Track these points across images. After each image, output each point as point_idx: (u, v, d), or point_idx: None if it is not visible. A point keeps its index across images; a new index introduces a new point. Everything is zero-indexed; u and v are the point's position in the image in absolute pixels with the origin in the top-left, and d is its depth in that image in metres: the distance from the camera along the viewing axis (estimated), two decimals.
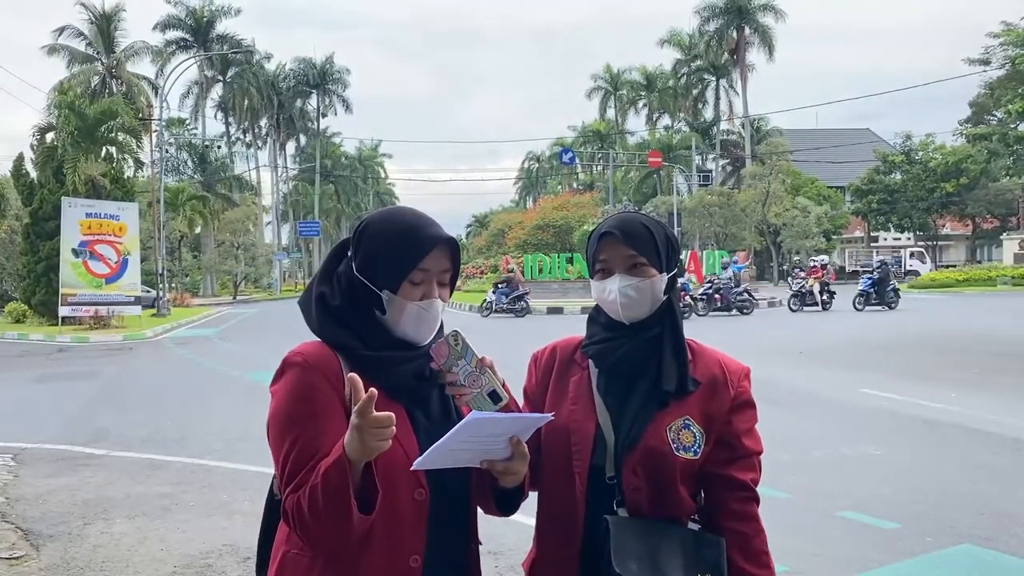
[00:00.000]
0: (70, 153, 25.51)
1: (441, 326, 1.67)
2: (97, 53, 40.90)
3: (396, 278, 1.58)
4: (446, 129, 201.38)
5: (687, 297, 22.63)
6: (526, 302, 26.05)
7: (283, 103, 61.44)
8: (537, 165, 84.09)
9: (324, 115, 64.93)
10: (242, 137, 61.76)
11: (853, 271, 51.53)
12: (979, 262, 52.15)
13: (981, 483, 6.06)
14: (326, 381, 1.52)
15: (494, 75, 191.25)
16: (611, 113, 68.22)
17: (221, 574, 4.56)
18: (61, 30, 40.92)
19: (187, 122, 56.92)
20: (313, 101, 64.32)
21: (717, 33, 54.85)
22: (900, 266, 47.92)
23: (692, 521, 1.73)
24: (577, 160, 61.09)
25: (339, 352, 1.57)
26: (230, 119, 59.46)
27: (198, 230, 50.51)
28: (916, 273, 45.70)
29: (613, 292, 1.73)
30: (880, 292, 24.73)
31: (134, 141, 29.65)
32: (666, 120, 65.99)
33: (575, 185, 72.40)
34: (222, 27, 54.75)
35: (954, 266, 49.05)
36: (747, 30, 54.06)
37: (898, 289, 25.41)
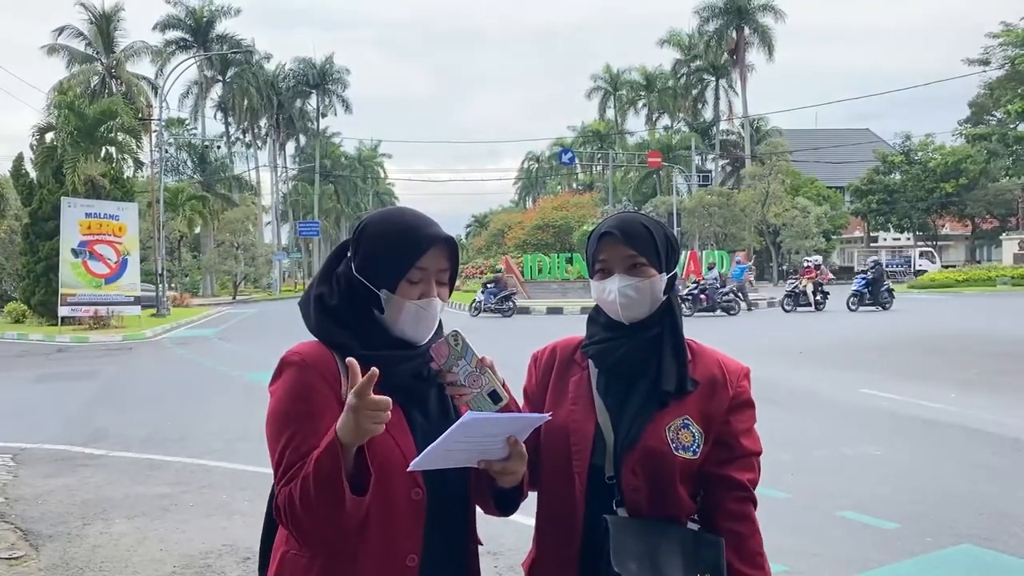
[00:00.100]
0: (70, 153, 25.51)
1: (440, 326, 1.68)
2: (97, 53, 40.87)
3: (394, 277, 1.58)
4: (446, 129, 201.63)
5: None
6: (513, 302, 26.43)
7: (283, 103, 61.45)
8: (537, 165, 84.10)
9: (324, 115, 64.99)
10: (242, 137, 61.81)
11: (861, 271, 51.57)
12: (978, 262, 52.16)
13: (981, 483, 6.06)
14: (323, 380, 1.53)
15: (494, 75, 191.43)
16: (611, 113, 68.26)
17: (220, 574, 4.56)
18: (61, 30, 40.89)
19: (187, 122, 56.97)
20: (313, 101, 64.38)
21: (717, 33, 54.84)
22: (910, 266, 47.88)
23: (692, 521, 1.73)
24: (577, 160, 61.10)
25: (336, 352, 1.57)
26: (230, 119, 59.47)
27: (198, 230, 50.52)
28: (926, 272, 45.62)
29: (613, 292, 1.73)
30: (874, 292, 24.67)
31: (134, 141, 29.63)
32: (666, 120, 66.08)
33: (575, 185, 72.43)
34: (222, 27, 54.79)
35: (954, 266, 49.06)
36: (747, 30, 54.06)
37: (892, 289, 25.31)
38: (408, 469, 1.47)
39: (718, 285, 24.91)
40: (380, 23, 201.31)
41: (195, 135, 56.43)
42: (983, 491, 5.83)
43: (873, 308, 24.47)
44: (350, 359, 1.43)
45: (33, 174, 27.80)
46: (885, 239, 61.88)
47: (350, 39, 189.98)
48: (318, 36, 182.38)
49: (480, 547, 1.73)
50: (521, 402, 1.83)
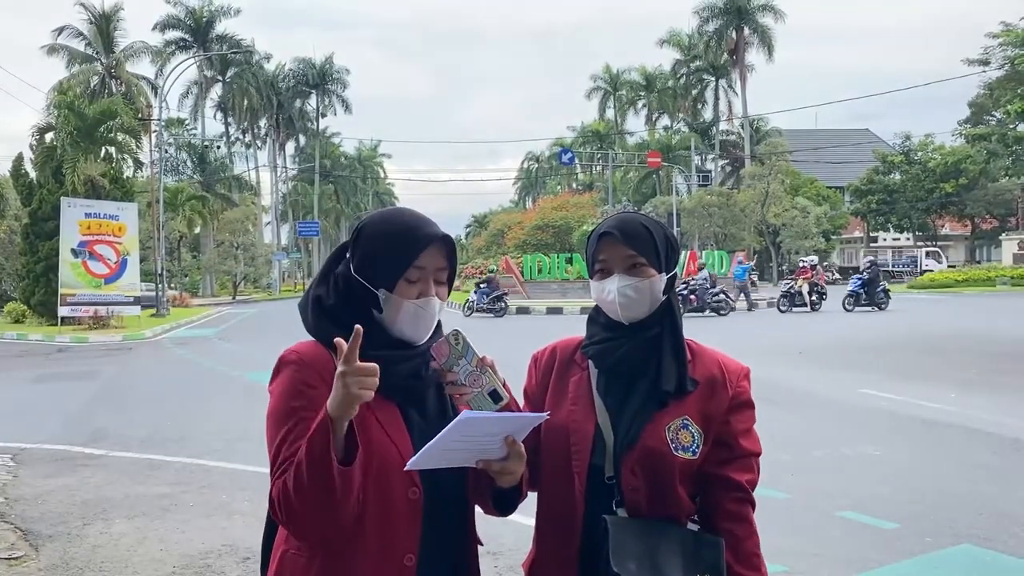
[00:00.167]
0: (69, 153, 25.50)
1: (440, 325, 1.68)
2: (96, 53, 40.86)
3: (392, 277, 1.58)
4: (446, 129, 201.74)
5: None
6: (505, 302, 26.93)
7: (282, 103, 61.45)
8: (536, 165, 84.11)
9: (323, 115, 65.00)
10: (241, 137, 61.81)
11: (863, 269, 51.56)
12: (978, 262, 52.17)
13: (980, 483, 6.06)
14: (320, 379, 1.53)
15: (494, 75, 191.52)
16: (610, 113, 68.27)
17: (220, 574, 4.56)
18: (60, 30, 40.88)
19: (186, 122, 56.95)
20: (312, 101, 64.39)
21: (716, 33, 54.86)
22: (916, 265, 47.84)
23: (692, 522, 1.73)
24: (576, 160, 61.12)
25: (333, 351, 1.57)
26: (229, 119, 59.47)
27: (197, 230, 50.50)
28: (930, 272, 45.56)
29: (612, 292, 1.73)
30: (870, 293, 24.63)
31: (133, 141, 29.62)
32: (665, 120, 66.11)
33: (574, 185, 72.44)
34: (221, 27, 54.78)
35: (953, 266, 49.06)
36: (746, 30, 54.07)
37: (888, 290, 25.31)
38: (405, 468, 1.47)
39: (708, 286, 24.88)
40: (380, 23, 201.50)
41: (195, 135, 56.42)
42: (983, 491, 5.83)
43: (869, 309, 24.44)
44: (338, 339, 1.43)
45: (33, 174, 27.79)
46: (885, 239, 61.88)
47: (350, 39, 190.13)
48: (318, 36, 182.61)
49: (480, 547, 1.73)
50: (521, 402, 1.83)
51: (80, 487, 6.43)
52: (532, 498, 1.79)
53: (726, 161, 61.70)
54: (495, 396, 1.55)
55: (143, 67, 56.16)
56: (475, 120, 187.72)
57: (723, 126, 61.60)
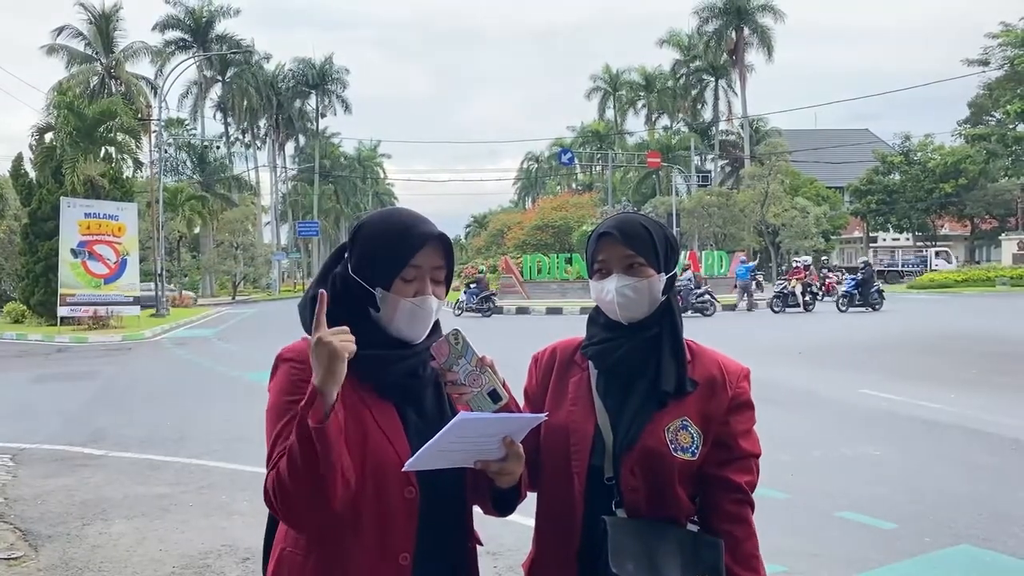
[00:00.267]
0: (69, 153, 25.50)
1: (438, 325, 1.68)
2: (96, 53, 40.86)
3: (389, 275, 1.59)
4: (445, 129, 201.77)
5: None
6: (493, 303, 27.58)
7: (282, 103, 61.46)
8: (536, 165, 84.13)
9: (323, 115, 65.02)
10: (241, 137, 61.85)
11: (879, 271, 51.56)
12: (978, 263, 52.18)
13: (979, 483, 6.06)
14: None
15: (494, 75, 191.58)
16: (610, 113, 68.30)
17: (220, 574, 4.56)
18: (60, 30, 40.88)
19: (186, 122, 56.97)
20: (312, 101, 64.42)
21: (716, 34, 54.87)
22: (926, 265, 47.81)
23: (691, 523, 1.73)
24: (576, 160, 61.14)
25: None
26: (229, 119, 59.48)
27: (197, 230, 50.52)
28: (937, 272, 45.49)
29: (611, 292, 1.73)
30: (864, 293, 24.57)
31: (133, 141, 29.64)
32: (665, 121, 66.13)
33: (574, 185, 72.44)
34: (221, 27, 54.83)
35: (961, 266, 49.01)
36: (746, 31, 54.09)
37: (882, 290, 25.24)
38: (403, 469, 1.47)
39: (692, 286, 24.88)
40: (380, 23, 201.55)
41: (194, 135, 56.44)
42: (982, 491, 5.83)
43: (863, 309, 24.37)
44: (321, 290, 1.46)
45: (32, 174, 27.80)
46: (884, 239, 61.88)
47: (350, 39, 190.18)
48: (318, 36, 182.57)
49: (480, 547, 1.73)
50: (522, 402, 1.83)
51: (79, 487, 6.43)
52: (532, 498, 1.79)
53: (726, 161, 61.71)
54: (494, 396, 1.55)
55: (143, 67, 56.15)
56: (475, 120, 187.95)
57: (723, 126, 61.67)
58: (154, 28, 53.30)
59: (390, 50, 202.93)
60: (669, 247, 1.78)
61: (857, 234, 60.25)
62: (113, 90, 38.43)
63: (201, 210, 46.05)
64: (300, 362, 1.56)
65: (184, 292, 40.94)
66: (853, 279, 25.23)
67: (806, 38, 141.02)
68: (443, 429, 1.42)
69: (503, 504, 1.66)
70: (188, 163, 55.08)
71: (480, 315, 26.47)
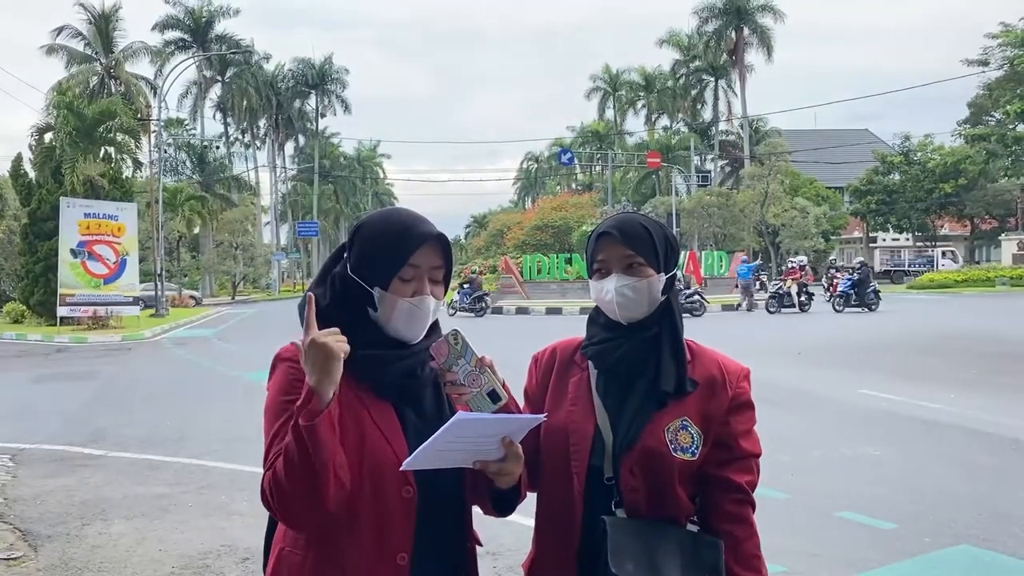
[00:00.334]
0: (68, 153, 25.50)
1: (438, 325, 1.68)
2: (96, 53, 40.87)
3: (387, 275, 1.59)
4: (445, 129, 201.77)
5: None
6: (485, 303, 27.89)
7: (282, 103, 61.46)
8: (536, 165, 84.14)
9: (323, 115, 65.01)
10: (241, 137, 61.86)
11: (885, 271, 51.57)
12: (977, 263, 52.16)
13: (979, 483, 6.06)
14: None
15: (494, 75, 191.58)
16: (610, 114, 68.32)
17: (219, 574, 4.56)
18: (59, 30, 40.89)
19: (186, 122, 57.01)
20: (312, 101, 64.40)
21: (716, 34, 54.90)
22: (932, 265, 47.78)
23: (691, 523, 1.73)
24: (576, 161, 61.14)
25: None
26: (229, 119, 59.49)
27: (196, 230, 50.54)
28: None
29: (610, 292, 1.73)
30: (860, 294, 24.47)
31: (132, 141, 29.65)
32: (665, 121, 66.16)
33: (574, 186, 72.45)
34: (221, 27, 54.84)
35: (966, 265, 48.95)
36: (746, 31, 54.10)
37: (878, 291, 25.13)
38: (401, 469, 1.47)
39: (681, 286, 24.85)
40: (380, 23, 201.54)
41: (194, 135, 56.47)
42: (982, 491, 5.83)
43: (859, 309, 24.28)
44: (309, 293, 1.47)
45: (32, 174, 27.81)
46: (884, 240, 61.88)
47: (350, 39, 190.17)
48: (318, 36, 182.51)
49: (480, 548, 1.73)
50: (522, 402, 1.83)
51: (79, 487, 6.43)
52: (531, 498, 1.78)
53: (725, 161, 61.72)
54: (494, 396, 1.55)
55: (142, 67, 56.15)
56: (475, 120, 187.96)
57: (722, 126, 61.68)
58: (154, 28, 53.38)
59: (390, 50, 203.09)
60: (669, 247, 1.77)
61: (857, 234, 60.24)
62: (113, 90, 38.45)
63: (201, 210, 46.07)
64: (298, 362, 1.55)
65: (187, 292, 40.99)
66: (849, 279, 25.15)
67: (806, 38, 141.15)
68: (441, 429, 1.42)
69: (503, 504, 1.66)
70: (188, 163, 55.12)
71: (473, 315, 26.71)
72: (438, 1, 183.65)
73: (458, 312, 27.07)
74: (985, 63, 45.19)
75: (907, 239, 57.88)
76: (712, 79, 59.56)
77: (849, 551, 4.71)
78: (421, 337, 1.62)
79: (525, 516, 1.83)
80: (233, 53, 53.62)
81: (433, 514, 1.58)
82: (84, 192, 25.12)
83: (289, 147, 67.70)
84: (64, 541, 5.13)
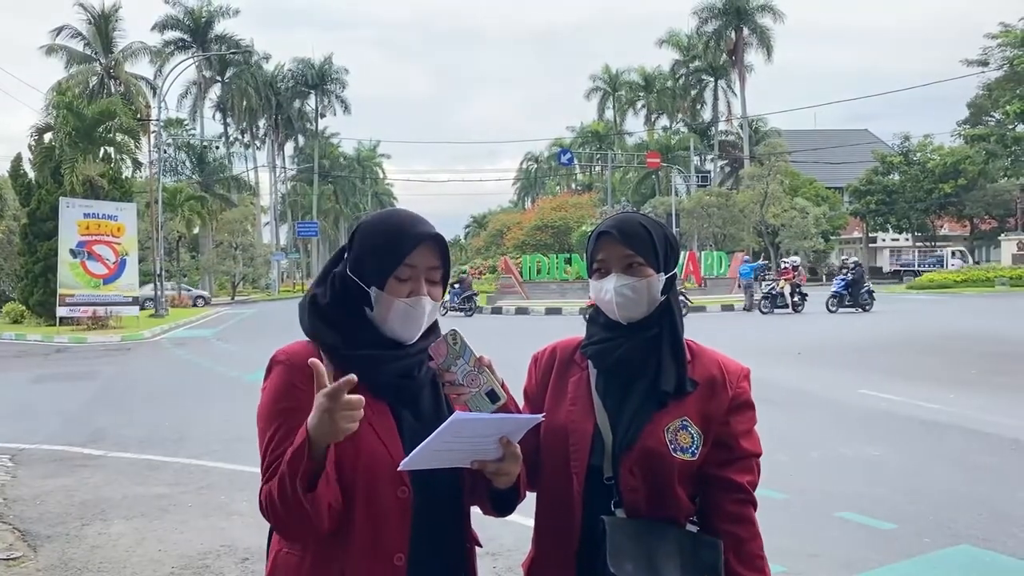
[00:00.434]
0: (68, 153, 25.49)
1: (436, 325, 1.68)
2: (95, 53, 40.85)
3: (383, 275, 1.59)
4: (445, 129, 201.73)
5: None
6: (474, 302, 28.73)
7: (281, 103, 61.46)
8: (536, 166, 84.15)
9: (323, 115, 64.99)
10: (240, 137, 61.81)
11: (894, 271, 51.52)
12: (977, 263, 52.16)
13: (979, 484, 6.06)
14: (308, 380, 1.53)
15: (494, 75, 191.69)
16: (609, 114, 68.33)
17: (219, 575, 4.56)
18: (59, 30, 40.85)
19: (185, 122, 56.98)
20: (311, 101, 64.39)
21: (715, 34, 54.92)
22: (942, 265, 47.74)
23: (691, 523, 1.73)
24: (576, 161, 61.13)
25: (324, 352, 1.59)
26: (228, 119, 59.47)
27: (196, 230, 50.46)
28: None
29: (609, 292, 1.73)
30: (854, 294, 24.39)
31: (132, 141, 29.62)
32: (664, 121, 66.17)
33: (574, 186, 72.45)
34: (220, 27, 54.84)
35: (978, 263, 48.91)
36: (745, 31, 54.12)
37: (872, 291, 25.02)
38: (398, 469, 1.47)
39: None
40: (380, 23, 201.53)
41: (194, 135, 56.45)
42: (981, 492, 5.83)
43: (853, 310, 24.19)
44: (313, 360, 1.44)
45: (31, 174, 27.80)
46: (884, 240, 61.90)
47: (350, 39, 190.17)
48: (318, 36, 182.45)
49: (479, 548, 1.73)
50: (521, 402, 1.83)
51: (79, 487, 6.43)
52: (531, 498, 1.78)
53: (725, 161, 61.73)
54: (492, 396, 1.55)
55: (142, 67, 56.03)
56: (475, 120, 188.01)
57: (722, 126, 61.70)
58: (153, 28, 53.39)
59: (390, 50, 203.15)
60: (669, 247, 1.77)
61: (856, 234, 60.25)
62: (112, 90, 38.42)
63: (200, 210, 46.01)
64: (293, 366, 1.57)
65: (195, 292, 40.95)
66: (843, 279, 25.03)
67: (806, 38, 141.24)
68: (438, 429, 1.42)
69: (502, 504, 1.66)
70: (187, 163, 55.08)
71: (463, 315, 27.02)
72: (438, 1, 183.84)
73: (449, 312, 27.32)
74: (985, 63, 45.24)
75: (907, 239, 57.91)
76: (712, 79, 59.58)
77: (848, 551, 4.71)
78: (417, 337, 1.62)
79: (525, 516, 1.83)
80: (233, 53, 53.61)
81: (430, 515, 1.58)
82: (84, 192, 25.12)
83: (289, 147, 67.79)
84: (64, 541, 5.13)
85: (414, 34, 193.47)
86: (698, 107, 62.25)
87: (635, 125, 68.90)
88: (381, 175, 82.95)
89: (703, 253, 37.83)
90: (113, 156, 28.92)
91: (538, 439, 1.74)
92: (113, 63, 40.06)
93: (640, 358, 1.73)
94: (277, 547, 1.61)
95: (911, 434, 7.86)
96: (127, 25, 62.69)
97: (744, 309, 27.23)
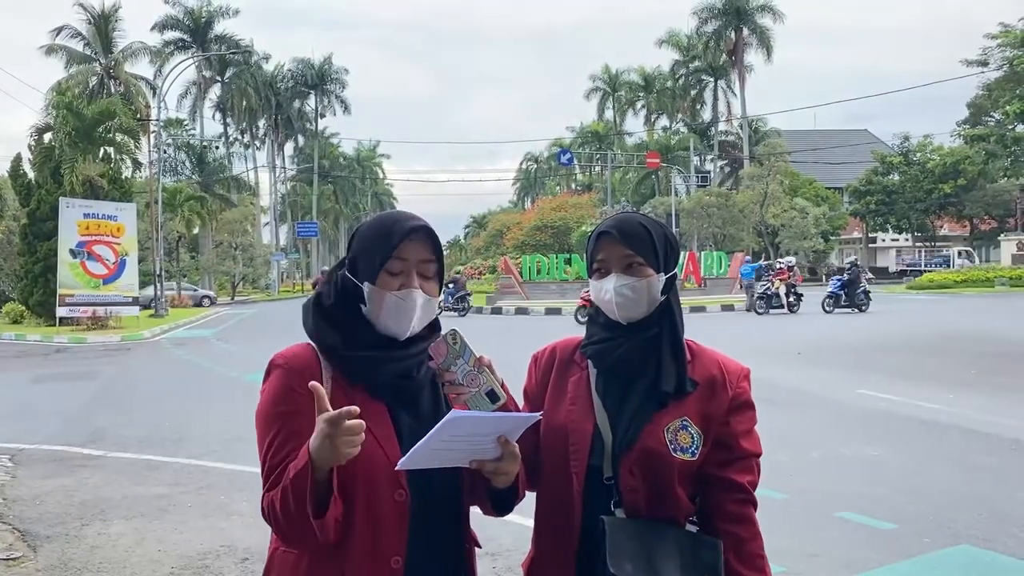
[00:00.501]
0: (68, 153, 25.49)
1: (438, 322, 1.68)
2: (95, 53, 40.86)
3: (375, 269, 1.60)
4: (445, 129, 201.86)
5: None
6: (468, 302, 29.02)
7: (281, 103, 61.48)
8: (535, 166, 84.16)
9: (322, 115, 65.01)
10: (240, 138, 61.84)
11: (901, 271, 51.48)
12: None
13: (978, 483, 6.06)
14: (304, 383, 1.53)
15: (494, 75, 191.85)
16: (609, 114, 68.36)
17: (218, 575, 4.56)
18: (59, 30, 40.87)
19: (185, 123, 56.99)
20: (311, 102, 64.41)
21: (715, 34, 54.95)
22: (949, 265, 47.73)
23: (690, 523, 1.73)
24: (575, 161, 61.14)
25: (323, 353, 1.60)
26: (228, 119, 59.48)
27: (196, 231, 50.46)
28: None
29: (609, 292, 1.73)
30: (850, 294, 24.33)
31: (132, 142, 29.62)
32: (664, 121, 66.20)
33: (573, 186, 72.46)
34: (220, 27, 54.89)
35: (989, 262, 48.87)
36: (745, 31, 54.15)
37: (868, 291, 24.95)
38: (396, 468, 1.47)
39: None
40: (380, 23, 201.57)
41: (193, 135, 56.46)
42: (981, 491, 5.83)
43: (849, 310, 24.12)
44: (313, 384, 1.44)
45: (31, 174, 27.80)
46: (883, 240, 61.91)
47: (350, 39, 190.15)
48: (317, 36, 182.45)
49: (478, 549, 1.73)
50: (521, 402, 1.83)
51: (78, 488, 6.43)
52: (531, 498, 1.78)
53: (725, 162, 61.75)
54: (492, 396, 1.54)
55: (142, 67, 56.02)
56: (475, 120, 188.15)
57: (722, 127, 61.72)
58: (153, 28, 53.42)
59: (390, 50, 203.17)
60: (669, 247, 1.77)
61: (856, 235, 60.27)
62: (112, 90, 38.43)
63: (200, 210, 46.00)
64: (291, 369, 1.57)
65: (201, 292, 40.95)
66: (839, 279, 24.98)
67: (805, 38, 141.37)
68: (435, 428, 1.41)
69: (501, 504, 1.66)
70: (187, 163, 55.10)
71: (456, 314, 27.19)
72: (438, 1, 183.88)
73: (443, 312, 27.46)
74: (984, 64, 45.26)
75: (906, 239, 57.92)
76: (711, 79, 59.60)
77: (848, 551, 4.71)
78: (409, 332, 1.61)
79: (524, 516, 1.83)
80: (232, 53, 53.63)
81: (428, 517, 1.58)
82: (83, 192, 25.12)
83: (288, 147, 67.81)
84: (63, 541, 5.13)
85: (414, 34, 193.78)
86: (698, 107, 62.28)
87: (635, 125, 69.02)
88: (381, 175, 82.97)
89: (703, 253, 37.81)
90: (113, 156, 28.92)
91: (537, 438, 1.74)
92: (113, 63, 40.07)
93: (640, 358, 1.72)
94: (275, 546, 1.62)
95: (911, 434, 7.86)
96: (127, 25, 62.78)
97: (746, 309, 27.20)
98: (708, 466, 1.71)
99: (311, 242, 66.35)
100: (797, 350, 14.44)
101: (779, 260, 28.85)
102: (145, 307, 27.34)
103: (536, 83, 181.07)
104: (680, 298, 1.83)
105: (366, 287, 1.59)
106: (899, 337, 16.86)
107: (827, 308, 24.15)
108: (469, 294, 29.88)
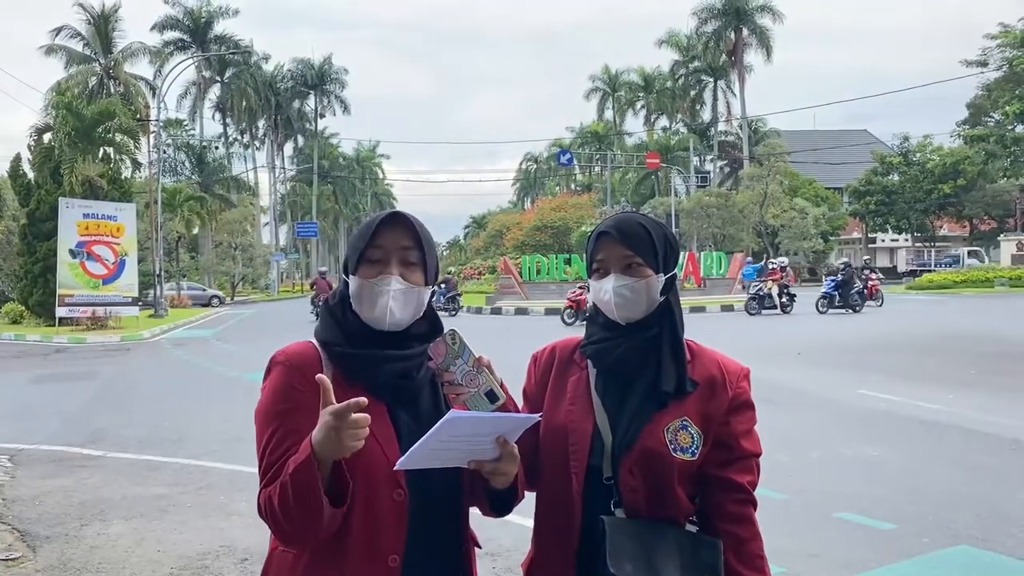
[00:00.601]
0: (67, 154, 25.48)
1: (438, 320, 1.68)
2: (95, 54, 40.85)
3: (357, 260, 1.61)
4: (445, 129, 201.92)
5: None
6: (458, 302, 30.00)
7: (281, 104, 61.50)
8: (535, 166, 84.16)
9: (322, 116, 65.04)
10: (240, 138, 61.86)
11: (910, 271, 51.40)
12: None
13: (978, 484, 6.06)
14: (306, 381, 1.54)
15: (494, 75, 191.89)
16: (609, 114, 68.37)
17: (218, 575, 4.55)
18: (58, 30, 40.86)
19: (185, 123, 56.98)
20: (311, 102, 64.44)
21: (715, 34, 54.96)
22: (959, 264, 47.69)
23: (690, 523, 1.73)
24: (575, 161, 61.13)
25: (324, 350, 1.60)
26: (228, 120, 59.49)
27: (196, 231, 50.46)
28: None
29: (608, 292, 1.73)
30: (844, 295, 24.30)
31: (131, 142, 29.63)
32: (664, 121, 66.20)
33: (573, 186, 72.46)
34: (220, 28, 54.92)
35: (996, 262, 48.83)
36: (745, 31, 54.16)
37: (863, 292, 24.88)
38: (395, 468, 1.47)
39: None
40: (380, 23, 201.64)
41: (193, 136, 56.45)
42: (980, 492, 5.83)
43: (843, 311, 24.07)
44: (320, 376, 1.44)
45: (31, 175, 27.80)
46: (883, 240, 61.90)
47: (350, 39, 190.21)
48: (317, 36, 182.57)
49: (478, 549, 1.73)
50: (521, 402, 1.83)
51: (78, 488, 6.43)
52: (530, 498, 1.78)
53: (725, 162, 61.76)
54: (491, 396, 1.54)
55: (141, 68, 55.98)
56: (474, 120, 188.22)
57: (722, 127, 61.73)
58: (153, 28, 53.42)
59: (390, 50, 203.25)
60: (668, 247, 1.77)
61: (856, 235, 60.27)
62: (112, 90, 38.42)
63: (200, 211, 46.00)
64: (291, 367, 1.57)
65: (204, 291, 40.94)
66: (833, 280, 24.91)
67: (805, 38, 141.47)
68: (433, 428, 1.41)
69: (500, 505, 1.66)
70: (187, 164, 55.12)
71: (447, 314, 27.51)
72: (438, 1, 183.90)
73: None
74: (984, 64, 45.28)
75: (906, 240, 57.91)
76: (711, 80, 59.61)
77: (848, 551, 4.71)
78: (389, 319, 1.59)
79: (524, 516, 1.83)
80: (232, 53, 53.65)
81: (427, 516, 1.58)
82: (83, 192, 25.11)
83: (288, 147, 67.84)
84: (63, 542, 5.13)
85: (414, 34, 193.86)
86: (698, 107, 62.30)
87: (635, 125, 69.02)
88: (380, 175, 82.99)
89: (703, 253, 37.79)
90: (112, 156, 28.92)
91: (536, 439, 1.74)
92: (112, 63, 40.06)
93: (639, 358, 1.72)
94: (273, 545, 1.62)
95: (911, 434, 7.86)
96: (126, 25, 62.66)
97: (744, 309, 27.17)
98: (708, 466, 1.71)
99: (311, 242, 66.38)
100: (796, 350, 14.43)
101: (772, 260, 28.79)
102: (148, 305, 27.32)
103: (536, 83, 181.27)
104: (680, 298, 1.83)
105: (351, 280, 1.61)
106: (899, 337, 16.85)
107: (821, 309, 24.11)
108: (459, 294, 30.59)
